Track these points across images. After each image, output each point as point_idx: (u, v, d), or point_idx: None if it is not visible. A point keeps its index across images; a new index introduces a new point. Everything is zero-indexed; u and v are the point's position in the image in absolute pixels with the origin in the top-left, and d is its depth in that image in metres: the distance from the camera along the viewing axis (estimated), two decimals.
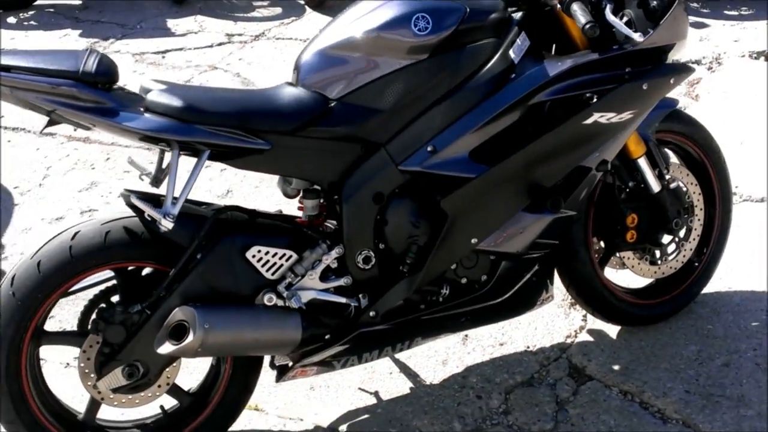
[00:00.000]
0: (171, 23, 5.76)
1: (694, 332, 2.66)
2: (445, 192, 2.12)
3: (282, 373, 2.24)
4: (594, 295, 2.54)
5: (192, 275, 2.06)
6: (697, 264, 2.69)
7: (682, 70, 2.29)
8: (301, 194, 2.19)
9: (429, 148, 2.10)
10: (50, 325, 2.31)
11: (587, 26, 2.03)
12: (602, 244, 2.54)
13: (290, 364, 2.22)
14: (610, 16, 2.14)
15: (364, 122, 2.09)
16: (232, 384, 2.24)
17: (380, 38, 2.06)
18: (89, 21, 5.92)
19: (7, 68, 1.88)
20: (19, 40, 5.64)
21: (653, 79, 2.20)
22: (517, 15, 2.22)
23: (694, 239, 2.65)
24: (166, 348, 2.02)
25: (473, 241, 2.19)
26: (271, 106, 2.06)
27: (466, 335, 2.71)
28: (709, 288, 2.79)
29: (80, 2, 6.30)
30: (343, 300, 2.17)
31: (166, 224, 1.97)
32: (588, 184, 2.28)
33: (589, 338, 2.68)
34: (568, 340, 2.68)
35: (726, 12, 5.01)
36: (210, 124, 1.97)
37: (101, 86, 1.93)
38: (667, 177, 2.48)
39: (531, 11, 2.22)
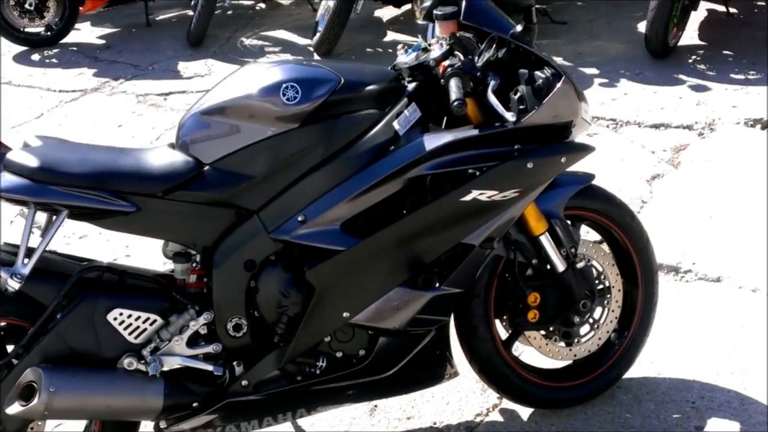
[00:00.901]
0: (182, 66, 5.87)
1: (609, 420, 2.52)
2: (313, 263, 2.07)
3: None
4: (496, 374, 2.43)
5: (51, 335, 2.05)
6: (617, 346, 2.56)
7: (577, 149, 2.21)
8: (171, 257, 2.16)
9: (300, 218, 2.06)
10: None
11: (455, 103, 1.97)
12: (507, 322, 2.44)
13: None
14: (490, 95, 2.08)
15: (237, 188, 2.07)
16: None
17: (250, 106, 2.05)
18: (107, 61, 6.09)
19: None
20: (37, 77, 5.84)
21: (539, 158, 2.12)
22: (411, 86, 2.17)
23: (611, 321, 2.52)
24: (15, 408, 2.00)
25: (345, 314, 2.13)
26: (140, 168, 2.05)
27: (375, 406, 2.62)
28: (637, 372, 2.65)
29: (103, 42, 6.50)
30: (210, 368, 2.14)
31: (13, 284, 1.97)
32: (473, 262, 2.20)
33: (500, 418, 2.56)
34: (478, 419, 2.56)
35: (732, 75, 4.83)
36: (66, 185, 1.98)
37: None
38: (575, 256, 2.36)
39: (424, 83, 2.17)
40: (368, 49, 5.88)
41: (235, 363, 2.15)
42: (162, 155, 2.09)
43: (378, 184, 2.06)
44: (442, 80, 2.09)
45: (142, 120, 5.01)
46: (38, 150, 2.03)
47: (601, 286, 2.47)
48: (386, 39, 6.08)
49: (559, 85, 2.10)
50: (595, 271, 2.47)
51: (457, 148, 2.08)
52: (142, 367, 2.08)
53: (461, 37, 2.16)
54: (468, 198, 2.09)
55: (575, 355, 2.51)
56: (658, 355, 2.73)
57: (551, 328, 2.43)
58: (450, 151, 2.08)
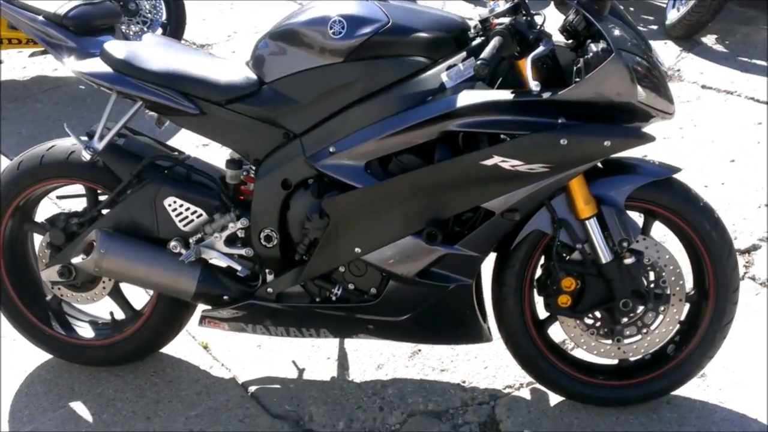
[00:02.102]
0: None
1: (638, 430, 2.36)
2: (332, 194, 2.17)
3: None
4: (521, 350, 2.37)
5: (120, 205, 2.37)
6: (671, 359, 2.36)
7: (628, 135, 2.04)
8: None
9: (331, 149, 2.16)
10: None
11: (478, 62, 1.91)
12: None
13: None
14: (528, 60, 1.98)
15: (285, 109, 2.21)
16: (154, 314, 2.53)
17: (304, 35, 2.16)
18: None
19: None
20: None
21: (576, 136, 2.00)
22: (477, 41, 2.14)
23: (664, 330, 2.32)
24: (76, 260, 2.37)
25: (357, 250, 2.20)
26: (209, 76, 2.26)
27: (419, 350, 2.69)
28: (696, 393, 2.43)
29: None
30: (238, 267, 2.34)
31: (85, 155, 2.30)
32: (492, 229, 2.15)
33: (527, 396, 2.51)
34: (506, 390, 2.53)
35: None
36: (142, 80, 2.24)
37: (70, 29, 2.29)
38: (626, 251, 2.20)
39: (487, 39, 2.11)
40: None
41: (267, 271, 2.34)
42: (233, 68, 2.28)
43: (406, 130, 2.08)
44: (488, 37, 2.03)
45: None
46: (132, 45, 2.32)
47: (658, 291, 2.28)
48: None
49: (606, 62, 1.95)
50: (653, 274, 2.28)
51: (494, 111, 2.03)
52: (184, 252, 2.34)
53: None
54: (489, 162, 2.04)
55: (617, 356, 2.36)
56: (729, 382, 2.47)
57: (590, 320, 2.31)
58: (484, 112, 2.03)
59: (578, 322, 2.31)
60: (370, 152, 2.13)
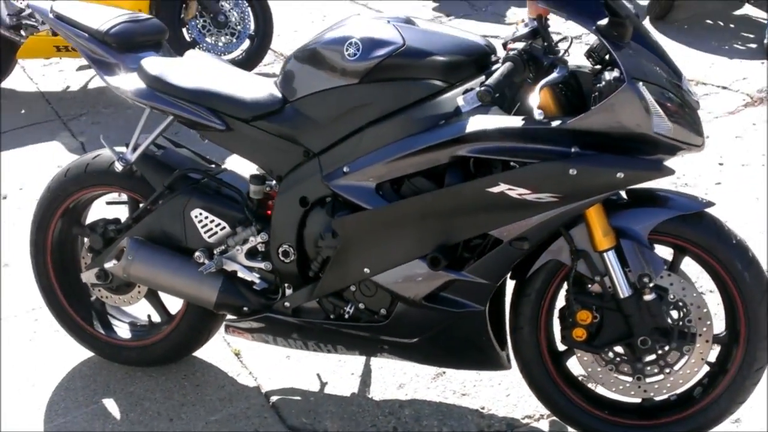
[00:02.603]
0: (511, 12, 5.93)
1: None
2: (341, 214, 2.17)
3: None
4: (535, 380, 2.30)
5: (151, 215, 2.46)
6: (696, 402, 2.24)
7: (643, 167, 1.94)
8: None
9: (345, 169, 2.16)
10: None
11: (481, 89, 1.86)
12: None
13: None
14: (538, 86, 1.92)
15: (304, 129, 2.23)
16: (184, 320, 2.61)
17: (323, 56, 2.17)
18: None
19: (60, 16, 2.46)
20: None
21: (586, 166, 1.93)
22: (498, 65, 2.09)
23: (689, 371, 2.20)
24: (108, 264, 2.48)
25: (366, 270, 2.20)
26: (236, 93, 2.31)
27: (443, 372, 2.65)
28: None
29: None
30: (257, 280, 2.38)
31: (118, 166, 2.40)
32: (501, 257, 2.10)
33: (546, 428, 2.43)
34: (525, 420, 2.46)
35: None
36: (174, 96, 2.32)
37: (112, 45, 2.40)
38: (647, 286, 2.10)
39: None
40: (708, 21, 5.35)
41: (285, 285, 2.37)
42: (260, 86, 2.33)
43: (416, 153, 2.06)
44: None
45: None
46: (167, 62, 2.40)
47: (684, 330, 2.17)
48: (738, 12, 5.44)
49: (617, 92, 1.87)
50: (678, 312, 2.17)
51: (504, 137, 1.98)
52: (208, 263, 2.40)
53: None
54: (495, 190, 1.99)
55: (639, 395, 2.25)
56: (763, 424, 2.32)
57: (609, 356, 2.22)
58: (494, 139, 1.99)
59: (596, 357, 2.23)
60: (381, 174, 2.12)
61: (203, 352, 2.81)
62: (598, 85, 1.94)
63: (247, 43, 5.22)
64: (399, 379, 2.65)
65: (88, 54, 2.43)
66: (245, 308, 2.42)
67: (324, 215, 2.24)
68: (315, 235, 2.26)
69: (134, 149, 2.42)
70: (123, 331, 2.77)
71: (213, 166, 2.56)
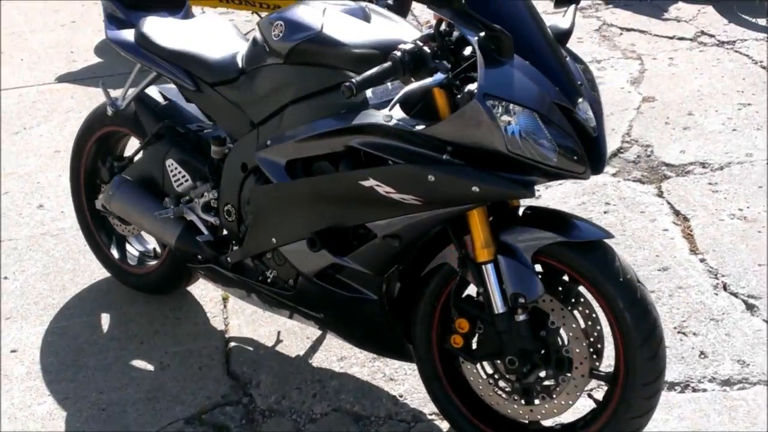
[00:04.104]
0: (674, 8, 5.57)
1: None
2: (254, 184, 2.33)
3: None
4: (426, 379, 2.34)
5: (140, 156, 2.77)
6: None
7: (499, 184, 1.90)
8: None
9: (267, 143, 2.31)
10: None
11: (345, 84, 1.90)
12: None
13: None
14: (407, 86, 1.91)
15: (250, 100, 2.41)
16: (168, 257, 2.90)
17: (263, 30, 2.31)
18: None
19: None
20: None
21: (444, 175, 1.92)
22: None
23: (563, 403, 2.13)
24: (99, 196, 2.83)
25: (273, 240, 2.35)
26: (210, 58, 2.52)
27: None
28: None
29: None
30: (205, 232, 2.61)
31: (109, 110, 2.71)
32: (376, 250, 2.15)
33: (445, 427, 2.45)
34: (431, 416, 2.50)
35: None
36: (156, 54, 2.58)
37: (124, 2, 2.69)
38: (521, 306, 2.06)
39: None
40: None
41: (233, 242, 2.58)
42: (233, 53, 2.50)
43: (317, 137, 2.15)
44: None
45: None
46: (162, 22, 2.65)
47: (563, 359, 2.10)
48: None
49: (465, 106, 1.84)
50: (558, 340, 2.10)
51: (387, 135, 2.02)
52: (173, 209, 2.67)
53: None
54: (366, 184, 2.04)
55: (515, 415, 2.22)
56: None
57: (488, 369, 2.20)
58: (378, 135, 2.03)
59: (477, 367, 2.22)
60: (289, 152, 2.24)
61: (198, 291, 3.10)
62: (458, 96, 1.91)
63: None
64: (344, 352, 2.77)
65: (106, 9, 2.76)
66: (199, 256, 2.66)
67: (253, 183, 2.40)
68: (245, 201, 2.44)
69: (123, 98, 2.73)
70: (132, 257, 3.13)
71: (203, 123, 2.79)
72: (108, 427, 2.55)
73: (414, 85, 1.90)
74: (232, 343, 2.87)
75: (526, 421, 2.25)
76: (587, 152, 1.96)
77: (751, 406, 2.41)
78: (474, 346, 2.21)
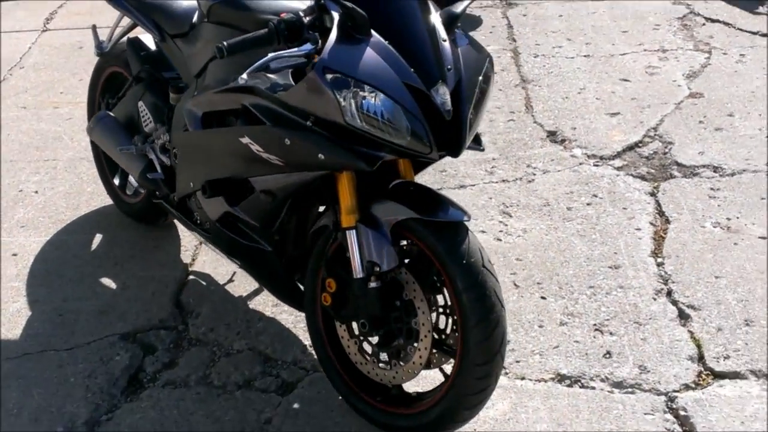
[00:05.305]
0: None
1: None
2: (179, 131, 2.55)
3: None
4: (311, 332, 2.48)
5: (124, 96, 3.06)
6: (422, 401, 2.26)
7: (342, 155, 2.00)
8: None
9: (194, 93, 2.52)
10: None
11: (216, 46, 2.03)
12: None
13: None
14: (267, 57, 2.02)
15: (191, 54, 2.63)
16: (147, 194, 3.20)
17: None
18: None
19: None
20: None
21: (298, 140, 2.05)
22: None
23: (409, 371, 2.23)
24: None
25: (190, 184, 2.56)
26: (175, 11, 2.75)
27: None
28: None
29: None
30: (159, 170, 2.86)
31: (95, 51, 3.00)
32: (257, 204, 2.32)
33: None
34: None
35: None
36: (131, 4, 2.83)
37: None
38: (375, 275, 2.16)
39: None
40: None
41: None
42: (194, 9, 2.72)
43: (220, 92, 2.32)
44: None
45: None
46: None
47: (411, 330, 2.19)
48: None
49: (306, 76, 1.95)
50: (410, 311, 2.19)
51: (266, 98, 2.14)
52: (140, 145, 2.95)
53: None
54: (243, 140, 2.19)
55: (375, 376, 2.33)
56: None
57: (354, 329, 2.32)
58: (261, 97, 2.16)
59: (346, 325, 2.34)
60: (203, 105, 2.43)
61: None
62: (307, 66, 2.01)
63: None
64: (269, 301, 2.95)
65: None
66: (157, 192, 2.92)
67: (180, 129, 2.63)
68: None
69: (109, 41, 3.01)
70: (130, 187, 3.45)
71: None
72: (57, 331, 2.88)
73: (280, 53, 2.02)
74: (191, 276, 3.13)
75: (388, 385, 2.35)
76: (444, 135, 2.02)
77: (626, 411, 2.39)
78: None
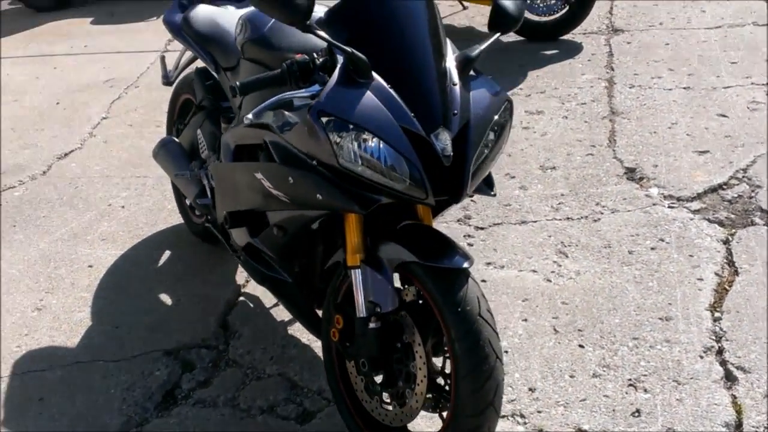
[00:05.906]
0: None
1: None
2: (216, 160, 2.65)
3: None
4: (325, 363, 2.50)
5: (189, 122, 3.20)
6: None
7: (338, 198, 2.01)
8: None
9: (233, 125, 2.60)
10: None
11: (231, 85, 2.10)
12: None
13: None
14: (282, 94, 2.06)
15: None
16: None
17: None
18: None
19: None
20: None
21: (300, 179, 2.08)
22: None
23: (409, 415, 2.20)
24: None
25: (223, 212, 2.64)
26: (226, 45, 2.85)
27: None
28: None
29: None
30: (208, 196, 2.98)
31: (162, 81, 3.15)
32: (272, 238, 2.37)
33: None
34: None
35: None
36: (191, 37, 2.96)
37: None
38: (376, 316, 2.15)
39: None
40: None
41: None
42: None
43: (244, 128, 2.39)
44: None
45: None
46: (209, 10, 3.00)
47: (407, 370, 2.18)
48: None
49: (306, 117, 1.96)
50: (410, 354, 2.16)
51: (276, 134, 2.18)
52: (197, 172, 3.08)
53: None
54: (257, 175, 2.24)
55: (379, 416, 2.32)
56: None
57: (359, 366, 2.32)
58: (274, 134, 2.20)
59: (353, 363, 2.34)
60: (236, 137, 2.51)
61: None
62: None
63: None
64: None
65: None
66: (208, 216, 3.04)
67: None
68: None
69: (175, 70, 3.16)
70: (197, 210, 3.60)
71: None
72: (109, 343, 3.05)
73: (284, 95, 2.07)
74: (241, 298, 3.23)
75: (389, 425, 2.33)
76: (445, 180, 1.99)
77: None
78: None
